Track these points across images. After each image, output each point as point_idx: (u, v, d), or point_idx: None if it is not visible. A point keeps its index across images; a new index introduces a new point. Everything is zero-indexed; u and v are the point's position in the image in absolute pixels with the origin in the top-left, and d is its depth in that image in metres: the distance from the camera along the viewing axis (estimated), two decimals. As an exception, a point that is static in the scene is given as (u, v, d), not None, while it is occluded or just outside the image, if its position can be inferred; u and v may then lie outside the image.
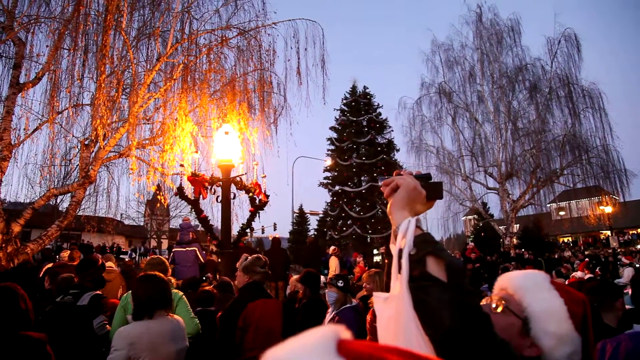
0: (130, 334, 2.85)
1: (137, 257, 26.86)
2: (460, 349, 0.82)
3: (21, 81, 8.70)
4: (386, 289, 1.10)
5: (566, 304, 1.19)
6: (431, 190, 1.11)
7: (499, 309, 1.20)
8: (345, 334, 0.51)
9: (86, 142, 9.52)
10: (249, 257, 3.87)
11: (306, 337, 0.49)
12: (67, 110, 9.52)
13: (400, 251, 0.95)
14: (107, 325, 3.87)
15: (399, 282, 0.94)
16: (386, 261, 1.16)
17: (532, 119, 21.59)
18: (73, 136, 10.57)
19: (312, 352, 0.48)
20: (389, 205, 1.10)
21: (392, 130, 31.16)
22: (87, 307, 3.83)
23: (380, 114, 31.69)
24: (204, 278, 7.83)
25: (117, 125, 9.66)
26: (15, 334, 2.62)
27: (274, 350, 0.49)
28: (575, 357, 1.17)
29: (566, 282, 8.39)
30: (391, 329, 0.95)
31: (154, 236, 36.73)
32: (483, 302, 1.22)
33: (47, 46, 8.80)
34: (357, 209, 28.69)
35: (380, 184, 1.14)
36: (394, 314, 0.94)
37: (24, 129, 9.27)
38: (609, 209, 22.53)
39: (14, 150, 8.71)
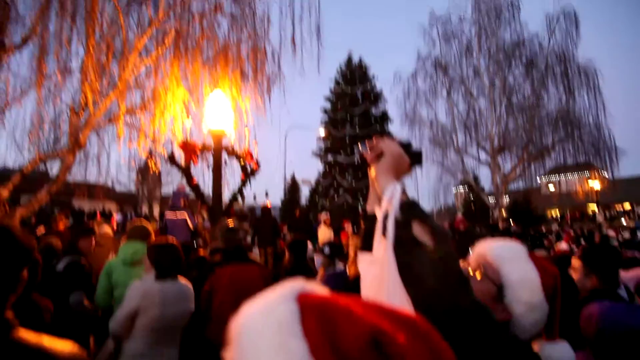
0: (144, 287, 3.10)
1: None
2: (442, 310, 0.85)
3: (6, 44, 8.48)
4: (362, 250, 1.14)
5: (540, 276, 1.25)
6: (413, 158, 1.13)
7: (478, 275, 1.25)
8: (313, 287, 0.57)
9: (75, 109, 9.37)
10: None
11: (275, 289, 0.57)
12: (55, 75, 9.33)
13: (386, 215, 0.97)
14: (86, 301, 3.85)
15: (383, 244, 0.96)
16: (362, 225, 1.19)
17: (527, 94, 21.50)
18: (62, 101, 10.39)
19: (275, 298, 0.54)
20: (373, 170, 1.11)
21: (387, 102, 31.10)
22: (62, 274, 3.81)
23: (375, 85, 31.52)
24: (195, 244, 7.90)
25: (107, 91, 9.50)
26: (30, 298, 2.66)
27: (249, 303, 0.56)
28: (540, 322, 1.25)
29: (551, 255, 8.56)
30: (374, 290, 0.98)
31: (146, 202, 36.63)
32: (461, 265, 1.26)
33: (35, 13, 8.54)
34: (349, 179, 28.86)
35: (362, 150, 1.16)
36: (378, 275, 0.97)
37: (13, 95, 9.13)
38: (597, 185, 22.81)
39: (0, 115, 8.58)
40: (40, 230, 9.08)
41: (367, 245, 1.08)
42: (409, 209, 0.97)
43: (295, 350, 0.49)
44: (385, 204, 0.99)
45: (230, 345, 0.55)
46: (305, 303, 0.54)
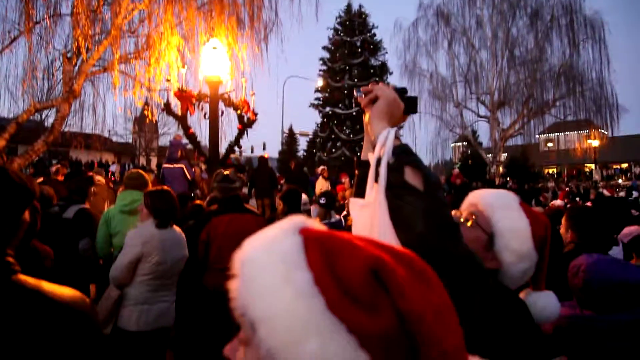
0: (144, 234, 3.12)
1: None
2: (431, 254, 0.86)
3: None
4: (355, 196, 1.14)
5: (530, 225, 1.26)
6: (408, 104, 1.11)
7: (469, 223, 1.26)
8: (314, 223, 0.58)
9: (68, 55, 9.13)
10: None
11: (278, 223, 0.58)
12: (45, 21, 9.02)
13: (379, 160, 0.97)
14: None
15: (375, 189, 0.96)
16: (356, 172, 1.18)
17: (530, 47, 21.04)
18: (54, 48, 10.10)
19: (278, 232, 0.56)
20: (367, 116, 1.10)
21: (387, 53, 30.45)
22: (72, 221, 3.85)
23: (375, 35, 30.74)
24: (192, 195, 7.94)
25: (100, 38, 9.22)
26: (29, 244, 2.61)
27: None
28: (529, 272, 1.27)
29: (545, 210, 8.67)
30: (365, 234, 0.98)
31: (143, 153, 36.62)
32: (453, 214, 1.27)
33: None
34: (347, 131, 28.70)
35: (357, 95, 1.14)
36: (370, 220, 0.98)
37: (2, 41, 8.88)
38: (596, 143, 22.75)
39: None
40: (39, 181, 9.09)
41: (359, 191, 1.08)
42: (402, 153, 0.96)
43: (300, 281, 0.50)
44: (378, 148, 0.98)
45: (234, 279, 0.55)
46: (308, 236, 0.55)
